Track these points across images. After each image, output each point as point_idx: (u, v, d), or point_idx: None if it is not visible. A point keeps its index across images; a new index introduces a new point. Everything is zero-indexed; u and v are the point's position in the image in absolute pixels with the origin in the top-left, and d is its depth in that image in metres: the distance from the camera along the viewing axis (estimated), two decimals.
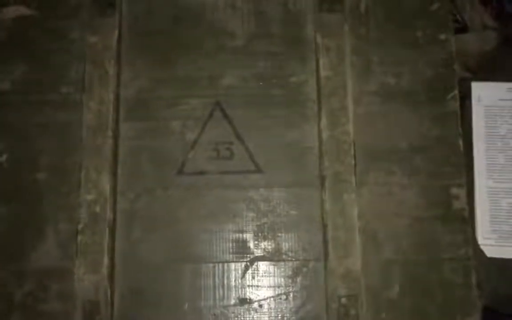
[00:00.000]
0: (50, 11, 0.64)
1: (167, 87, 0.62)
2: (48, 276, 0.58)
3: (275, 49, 0.62)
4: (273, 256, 0.58)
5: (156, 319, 0.57)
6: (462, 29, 0.70)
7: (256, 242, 0.59)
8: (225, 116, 0.61)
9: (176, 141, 0.61)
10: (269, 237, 0.59)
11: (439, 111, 0.60)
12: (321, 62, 0.60)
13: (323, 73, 0.60)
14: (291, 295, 0.58)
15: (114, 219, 0.59)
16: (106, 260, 0.57)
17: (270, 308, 0.57)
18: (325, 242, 0.57)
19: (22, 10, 0.65)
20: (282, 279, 0.58)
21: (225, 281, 0.58)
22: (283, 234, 0.59)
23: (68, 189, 0.60)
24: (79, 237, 0.58)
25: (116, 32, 0.62)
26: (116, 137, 0.60)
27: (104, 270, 0.57)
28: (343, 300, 0.55)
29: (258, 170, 0.60)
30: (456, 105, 0.60)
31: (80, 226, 0.58)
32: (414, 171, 0.59)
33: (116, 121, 0.61)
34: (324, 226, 0.57)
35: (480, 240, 0.60)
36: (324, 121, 0.59)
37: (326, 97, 0.59)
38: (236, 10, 0.63)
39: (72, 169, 0.60)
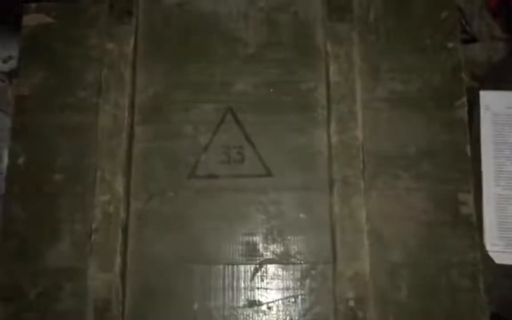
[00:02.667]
0: (69, 19, 0.67)
1: (180, 92, 0.64)
2: (62, 276, 0.59)
3: (285, 57, 0.64)
4: (282, 259, 0.59)
5: (166, 318, 0.58)
6: (470, 40, 0.71)
7: (265, 245, 0.60)
8: (237, 120, 0.62)
9: (188, 144, 0.62)
10: (278, 240, 0.60)
11: (447, 118, 0.60)
12: (330, 69, 0.61)
13: (332, 79, 0.61)
14: (300, 297, 0.58)
15: (127, 220, 0.60)
16: (118, 260, 0.58)
17: (279, 311, 0.58)
18: (333, 245, 0.58)
19: (42, 18, 0.67)
20: (291, 282, 0.59)
21: (235, 283, 0.59)
22: (292, 237, 0.59)
23: (83, 190, 0.61)
24: (93, 237, 0.59)
25: (133, 39, 0.64)
26: (130, 139, 0.62)
27: (116, 269, 0.58)
28: (351, 302, 0.56)
29: (268, 173, 0.61)
30: (464, 112, 0.60)
31: (94, 226, 0.59)
32: (421, 176, 0.59)
33: (131, 125, 0.63)
34: (333, 229, 0.58)
35: (488, 247, 0.60)
36: (333, 126, 0.60)
37: (335, 103, 0.61)
38: (248, 20, 0.65)
39: (87, 171, 0.61)
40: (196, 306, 0.58)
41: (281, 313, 0.58)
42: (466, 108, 0.60)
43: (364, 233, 0.57)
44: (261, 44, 0.64)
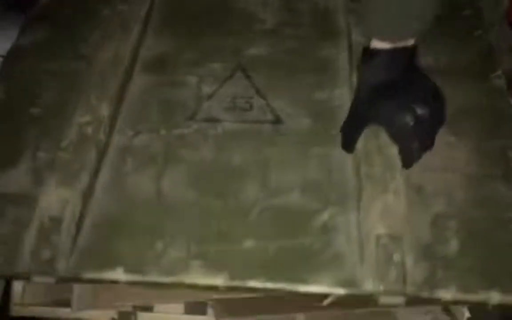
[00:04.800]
0: None
1: (189, 53, 0.59)
2: (7, 201, 0.47)
3: (304, 34, 0.60)
4: None
5: (122, 253, 0.43)
6: None
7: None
8: (247, 76, 0.56)
9: (191, 93, 0.55)
10: None
11: (484, 86, 0.54)
12: (353, 31, 0.57)
13: (355, 39, 0.56)
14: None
15: (107, 147, 0.50)
16: (84, 178, 0.46)
17: None
18: (358, 178, 0.46)
19: None
20: None
21: None
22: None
23: (59, 123, 0.52)
24: (59, 153, 0.48)
25: (147, 4, 0.62)
26: (127, 79, 0.55)
27: (79, 186, 0.45)
28: (384, 240, 0.41)
29: (278, 120, 0.52)
30: (502, 82, 0.54)
31: (63, 144, 0.49)
32: (461, 133, 0.50)
33: (130, 71, 0.56)
34: (357, 163, 0.47)
35: None
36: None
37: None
38: (267, 6, 0.64)
39: (68, 108, 0.53)
40: (160, 245, 0.44)
41: None
42: (503, 79, 0.54)
43: (398, 169, 0.45)
44: (280, 23, 0.62)
